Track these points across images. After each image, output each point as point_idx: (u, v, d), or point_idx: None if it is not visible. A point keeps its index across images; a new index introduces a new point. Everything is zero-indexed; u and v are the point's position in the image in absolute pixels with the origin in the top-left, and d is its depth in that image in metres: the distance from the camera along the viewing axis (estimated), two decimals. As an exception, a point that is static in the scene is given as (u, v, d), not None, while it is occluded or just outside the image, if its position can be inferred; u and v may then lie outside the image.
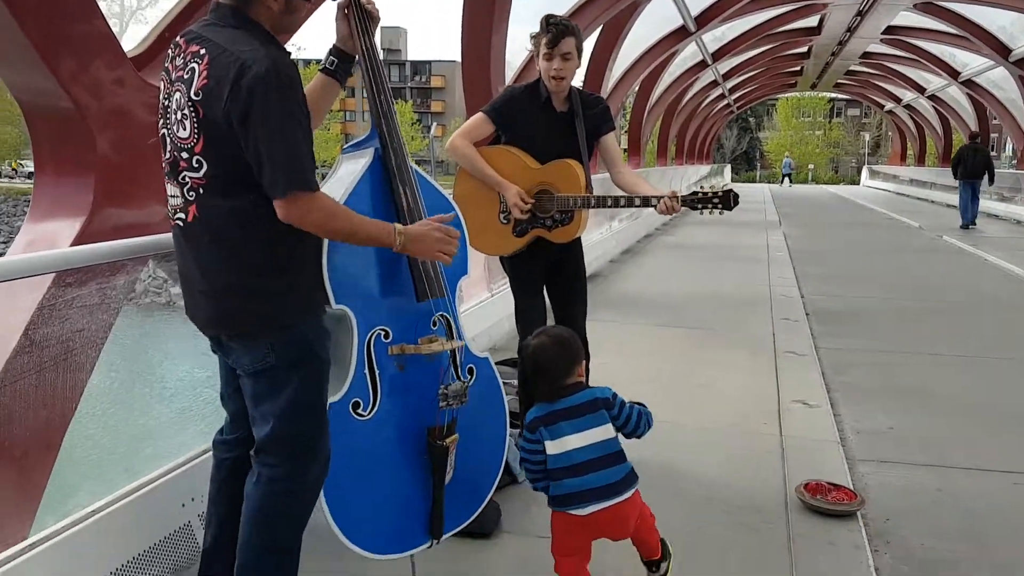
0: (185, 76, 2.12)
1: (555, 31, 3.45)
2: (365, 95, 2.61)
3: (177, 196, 2.20)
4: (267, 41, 2.14)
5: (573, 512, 2.51)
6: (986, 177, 17.11)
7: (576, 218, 3.60)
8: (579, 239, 3.80)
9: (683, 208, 3.46)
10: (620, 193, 3.62)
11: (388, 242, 2.31)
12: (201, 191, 2.14)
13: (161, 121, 2.24)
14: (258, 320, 2.19)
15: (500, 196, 3.58)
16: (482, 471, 2.90)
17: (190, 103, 2.10)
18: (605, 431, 2.54)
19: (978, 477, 3.93)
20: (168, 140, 2.21)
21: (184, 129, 2.12)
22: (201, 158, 2.11)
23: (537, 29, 3.54)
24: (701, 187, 3.55)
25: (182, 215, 2.20)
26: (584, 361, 2.76)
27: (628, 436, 2.60)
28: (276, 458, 2.25)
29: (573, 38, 3.50)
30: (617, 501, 2.51)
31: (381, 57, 2.64)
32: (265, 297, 2.18)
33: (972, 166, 16.94)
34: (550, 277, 3.79)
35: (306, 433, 2.27)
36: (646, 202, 3.50)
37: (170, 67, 2.22)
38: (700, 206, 3.51)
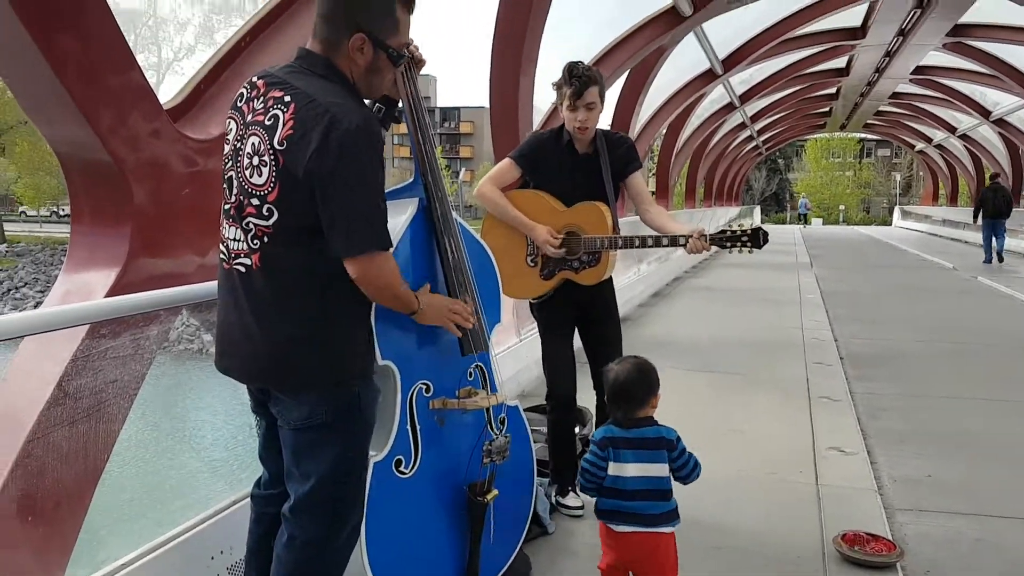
0: (267, 122, 2.08)
1: (578, 84, 3.48)
2: (396, 142, 2.63)
3: (239, 241, 2.16)
4: (353, 95, 2.14)
5: (611, 526, 2.65)
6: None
7: (603, 259, 3.60)
8: (611, 281, 3.79)
9: (712, 247, 3.44)
10: (648, 233, 3.61)
11: (412, 308, 2.31)
12: (266, 240, 2.10)
13: (229, 163, 2.20)
14: (315, 374, 2.16)
15: (527, 239, 3.60)
16: (511, 521, 2.88)
17: (271, 151, 2.06)
18: (661, 469, 2.65)
19: (1020, 526, 3.82)
20: (235, 183, 2.17)
21: (260, 176, 2.09)
22: (273, 207, 2.08)
23: (559, 76, 3.57)
24: (730, 225, 3.53)
25: (245, 261, 2.15)
26: (659, 394, 2.77)
27: (677, 479, 2.70)
28: (311, 519, 2.21)
29: (596, 87, 3.53)
30: (652, 531, 2.62)
31: (424, 105, 2.63)
32: (324, 350, 2.15)
33: (994, 206, 17.52)
34: (582, 321, 3.78)
35: (344, 496, 2.23)
36: (674, 242, 3.49)
37: (245, 108, 2.17)
38: (729, 245, 3.47)
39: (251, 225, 2.12)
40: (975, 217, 18.29)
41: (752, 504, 3.98)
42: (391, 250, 2.14)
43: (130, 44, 3.44)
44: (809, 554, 3.42)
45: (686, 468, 2.68)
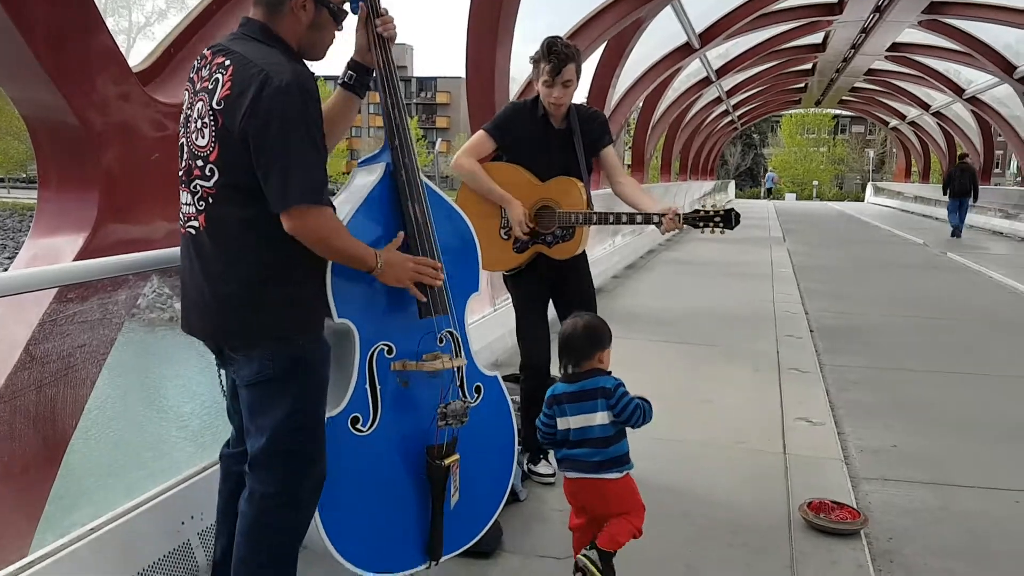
0: (209, 86, 2.16)
1: (556, 61, 3.48)
2: (372, 111, 2.63)
3: (189, 204, 2.23)
4: (291, 57, 2.19)
5: (564, 473, 2.83)
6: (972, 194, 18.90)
7: (577, 235, 3.62)
8: (584, 253, 3.80)
9: (684, 225, 3.48)
10: (622, 209, 3.63)
11: (370, 265, 2.34)
12: (211, 200, 2.17)
13: (182, 130, 2.27)
14: (258, 331, 2.21)
15: (502, 211, 3.60)
16: (487, 493, 2.88)
17: (211, 112, 2.14)
18: (600, 417, 2.73)
19: (981, 495, 3.91)
20: (186, 148, 2.24)
21: (203, 137, 2.16)
22: (215, 166, 2.15)
23: (537, 51, 3.56)
24: (703, 205, 3.57)
25: (194, 223, 2.23)
26: (608, 348, 2.83)
27: (625, 425, 2.76)
28: (269, 473, 2.26)
29: (574, 64, 3.53)
30: (596, 476, 2.72)
31: (397, 71, 2.64)
32: (266, 308, 2.20)
33: (960, 184, 18.79)
34: (556, 292, 3.80)
35: (300, 449, 2.27)
36: (647, 219, 3.53)
37: (195, 78, 2.25)
38: (702, 224, 3.53)
39: (198, 187, 2.19)
40: (944, 192, 19.56)
41: (721, 472, 4.03)
42: (327, 206, 2.17)
43: (100, 7, 3.38)
44: (776, 521, 3.47)
45: (626, 412, 2.70)
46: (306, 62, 2.30)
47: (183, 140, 2.26)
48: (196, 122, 2.19)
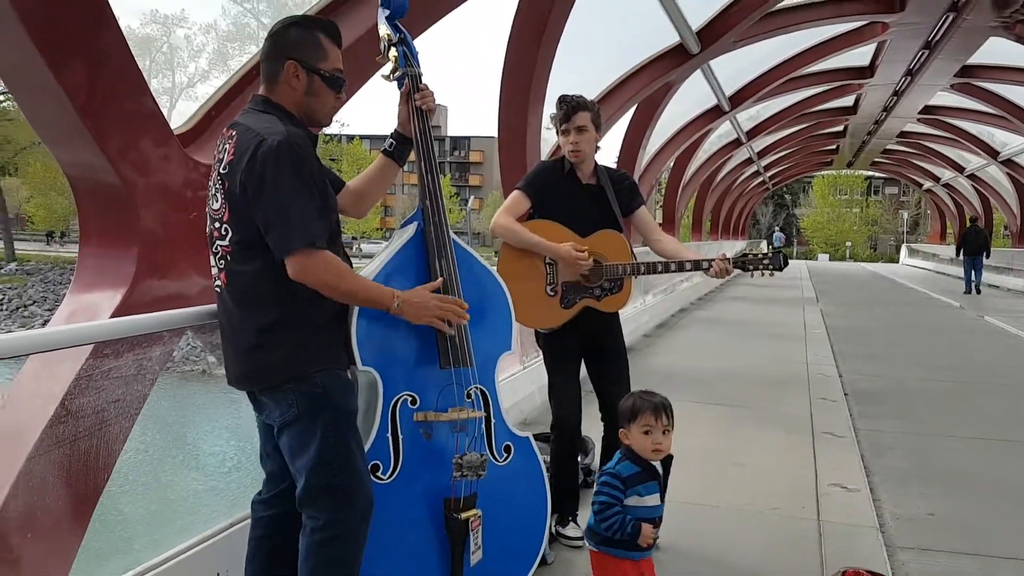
0: (220, 156, 2.39)
1: (566, 108, 3.60)
2: (407, 169, 2.80)
3: (213, 266, 2.44)
4: (288, 121, 2.39)
5: (631, 557, 2.68)
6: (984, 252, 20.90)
7: (625, 286, 3.65)
8: (617, 314, 3.81)
9: (735, 270, 3.53)
10: (673, 252, 3.65)
11: (387, 304, 2.46)
12: (228, 258, 2.38)
13: (208, 200, 2.47)
14: (275, 372, 2.36)
15: (547, 270, 3.59)
16: (516, 556, 2.85)
17: (219, 177, 2.37)
18: (659, 498, 2.74)
19: (1021, 567, 3.79)
20: (208, 214, 2.44)
21: (216, 201, 2.38)
22: (228, 226, 2.35)
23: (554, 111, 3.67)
24: (751, 249, 3.59)
25: (219, 282, 2.43)
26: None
27: None
28: (314, 509, 2.38)
29: (587, 112, 3.63)
30: (651, 555, 2.75)
31: (433, 140, 2.84)
32: (280, 351, 2.36)
33: (975, 244, 20.61)
34: (589, 352, 3.78)
35: (336, 483, 2.37)
36: (697, 265, 3.57)
37: (215, 152, 2.46)
38: (751, 267, 3.57)
39: (218, 248, 2.40)
40: (957, 253, 21.54)
41: (754, 538, 3.95)
42: (323, 250, 2.31)
43: (144, 69, 3.49)
44: (809, 591, 3.39)
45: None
46: (314, 126, 2.53)
47: (207, 207, 2.45)
48: (211, 188, 2.42)
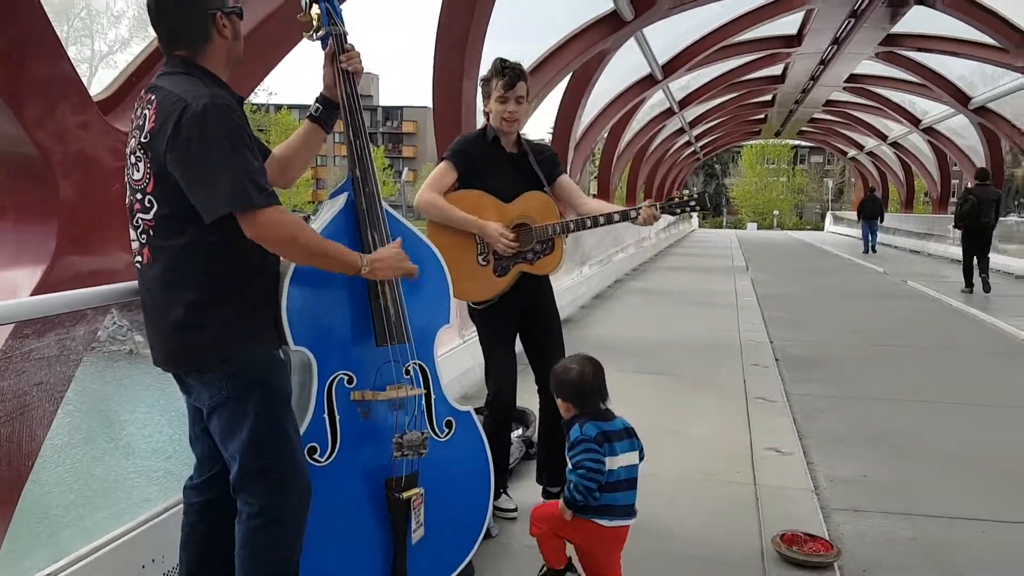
0: (139, 123, 2.24)
1: (511, 75, 3.54)
2: (337, 140, 2.66)
3: (134, 240, 2.31)
4: (212, 82, 2.26)
5: (597, 521, 2.69)
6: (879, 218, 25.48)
7: (557, 247, 3.62)
8: (550, 284, 3.78)
9: (662, 215, 3.53)
10: (600, 210, 3.62)
11: (355, 265, 2.39)
12: (152, 232, 2.25)
13: (126, 169, 2.31)
14: (205, 354, 2.26)
15: (476, 239, 3.53)
16: (460, 532, 2.82)
17: (140, 146, 2.22)
18: (636, 456, 2.78)
19: (952, 525, 3.91)
20: (127, 185, 2.30)
21: (138, 171, 2.24)
22: (152, 198, 2.22)
23: (488, 71, 3.59)
24: (678, 194, 3.61)
25: (140, 258, 2.30)
26: None
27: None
28: (249, 494, 2.30)
29: (525, 83, 3.60)
30: (630, 521, 2.77)
31: (361, 104, 2.70)
32: (209, 331, 2.25)
33: (870, 210, 25.01)
34: (524, 325, 3.75)
35: (271, 467, 2.29)
36: (625, 216, 3.55)
37: (133, 117, 2.32)
38: (679, 210, 3.58)
39: (139, 221, 2.27)
40: (857, 218, 26.46)
41: (692, 505, 4.00)
42: (276, 204, 2.20)
43: (62, 36, 3.32)
44: (749, 554, 3.44)
45: (642, 454, 2.80)
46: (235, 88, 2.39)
47: (126, 177, 2.31)
48: (131, 157, 2.27)
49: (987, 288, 13.03)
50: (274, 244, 2.24)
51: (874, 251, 24.31)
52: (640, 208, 3.49)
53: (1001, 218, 14.98)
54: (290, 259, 2.38)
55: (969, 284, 13.27)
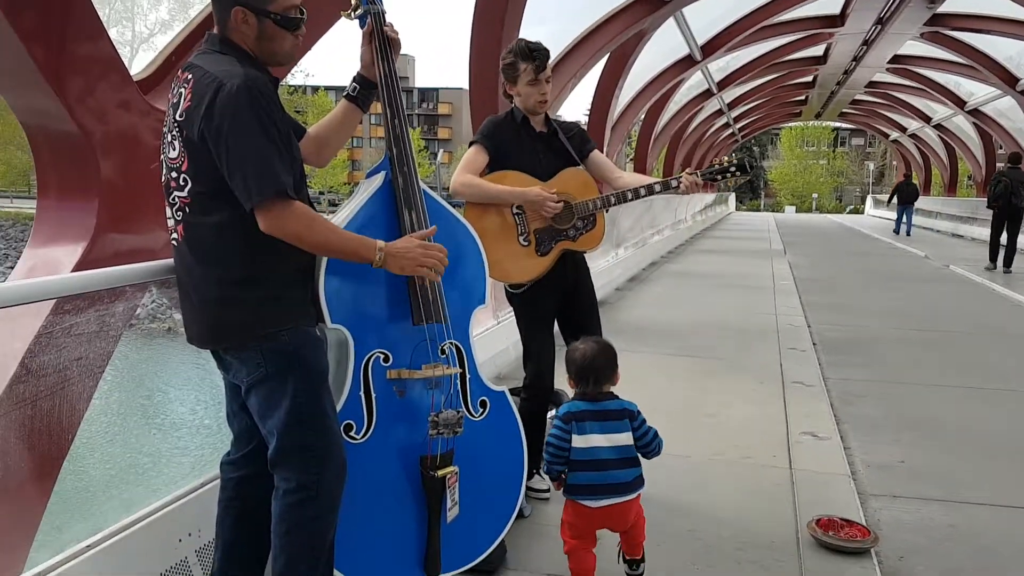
0: (175, 101, 2.26)
1: (540, 58, 3.52)
2: (374, 122, 2.65)
3: (170, 217, 2.31)
4: (246, 63, 2.26)
5: (585, 503, 2.74)
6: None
7: (598, 222, 3.61)
8: (587, 265, 3.77)
9: (703, 182, 3.56)
10: (638, 182, 3.60)
11: (368, 256, 2.35)
12: (187, 210, 2.25)
13: (162, 147, 2.33)
14: (241, 331, 2.27)
15: (515, 219, 3.49)
16: (493, 511, 2.83)
17: (176, 124, 2.23)
18: (626, 438, 2.77)
19: (992, 512, 3.85)
20: (163, 163, 2.31)
21: (173, 150, 2.25)
22: (187, 176, 2.23)
23: (511, 56, 3.57)
24: (718, 161, 3.63)
25: (175, 235, 2.32)
26: (618, 371, 2.88)
27: (641, 453, 2.82)
28: (287, 471, 2.31)
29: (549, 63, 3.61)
30: (625, 499, 2.76)
31: (399, 84, 2.69)
32: (245, 308, 2.26)
33: (906, 194, 25.09)
34: (563, 306, 3.72)
35: (309, 443, 2.31)
36: (666, 186, 3.55)
37: (170, 96, 2.32)
38: (720, 177, 3.61)
39: (175, 199, 2.27)
40: (888, 201, 28.28)
41: (727, 488, 3.97)
42: (292, 200, 2.19)
43: (103, 18, 3.35)
44: (784, 539, 3.41)
45: (647, 438, 2.80)
46: (278, 67, 2.42)
47: (162, 155, 2.32)
48: (167, 135, 2.28)
49: (1008, 264, 13.83)
50: (285, 238, 2.22)
51: (908, 234, 24.59)
52: (681, 177, 3.49)
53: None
54: (305, 250, 2.33)
55: (993, 261, 14.10)
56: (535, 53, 3.52)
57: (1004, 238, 14.00)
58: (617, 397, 2.84)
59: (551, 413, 4.31)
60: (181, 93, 2.23)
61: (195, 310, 2.32)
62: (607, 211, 3.63)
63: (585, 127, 3.92)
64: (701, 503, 3.77)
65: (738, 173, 3.57)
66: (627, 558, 2.87)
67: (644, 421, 2.81)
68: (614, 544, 2.91)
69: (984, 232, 22.60)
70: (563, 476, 2.77)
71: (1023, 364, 7.08)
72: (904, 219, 25.26)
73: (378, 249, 2.35)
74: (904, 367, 6.83)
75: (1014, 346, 7.91)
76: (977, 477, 4.29)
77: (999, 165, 33.19)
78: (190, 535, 2.68)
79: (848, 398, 5.74)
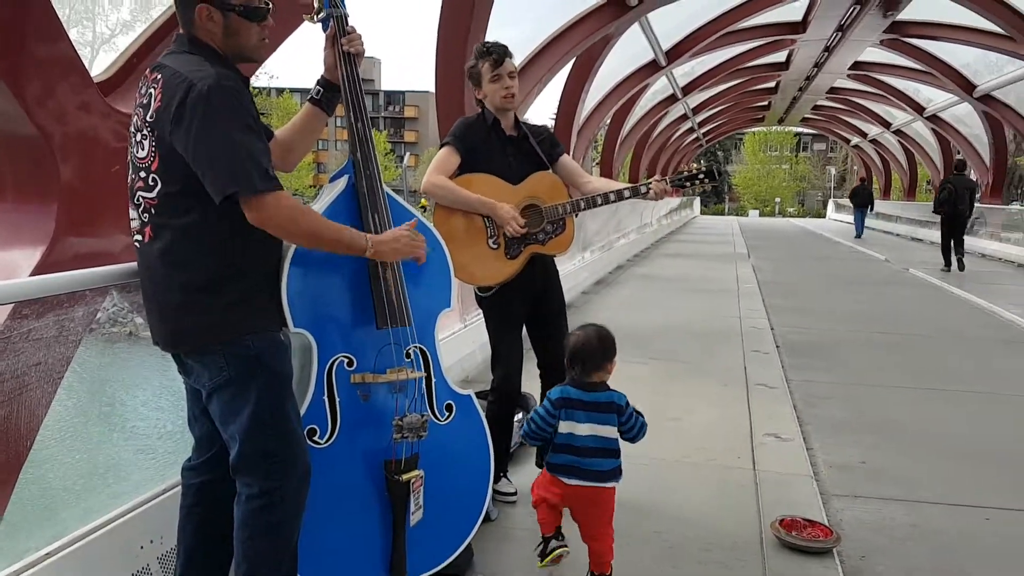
0: (144, 101, 2.23)
1: (497, 52, 3.54)
2: (339, 124, 2.64)
3: (135, 218, 2.29)
4: (216, 62, 2.24)
5: (561, 479, 2.83)
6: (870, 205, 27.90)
7: (568, 226, 3.61)
8: (556, 268, 3.77)
9: (672, 188, 3.59)
10: (607, 187, 3.62)
11: (360, 246, 2.37)
12: (153, 211, 2.23)
13: (129, 147, 2.30)
14: (205, 334, 2.25)
15: (484, 222, 3.49)
16: (459, 515, 2.82)
17: (147, 124, 2.22)
18: (610, 431, 2.85)
19: (951, 512, 3.92)
20: (130, 163, 2.29)
21: (143, 149, 2.22)
22: (157, 176, 2.20)
23: (471, 60, 3.59)
24: (684, 169, 3.66)
25: (139, 236, 2.28)
26: (615, 359, 2.93)
27: (625, 439, 2.90)
28: (249, 476, 2.29)
29: (510, 58, 3.60)
30: (598, 485, 2.83)
31: (362, 87, 2.69)
32: (211, 313, 2.24)
33: (862, 198, 27.42)
34: (532, 311, 3.72)
35: (272, 448, 2.29)
36: (636, 191, 3.56)
37: (137, 96, 2.30)
38: (688, 184, 3.63)
39: (140, 199, 2.25)
40: (852, 201, 28.54)
41: (691, 490, 4.01)
42: (279, 190, 2.19)
43: (63, 19, 3.31)
44: (748, 539, 3.45)
45: (633, 430, 2.88)
46: (249, 65, 2.45)
47: (129, 156, 2.30)
48: (135, 135, 2.26)
49: (961, 267, 14.68)
50: (276, 229, 2.22)
51: (859, 236, 26.13)
52: (650, 183, 3.51)
53: (1006, 206, 15.67)
54: (293, 243, 2.37)
55: (947, 263, 14.92)
56: (490, 47, 3.55)
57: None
58: (609, 388, 2.89)
59: (518, 416, 4.34)
60: (151, 94, 2.20)
61: (158, 313, 2.29)
62: (577, 215, 3.63)
63: (552, 131, 3.90)
64: (666, 505, 3.79)
65: (707, 180, 3.61)
66: (594, 573, 2.88)
67: (632, 413, 2.87)
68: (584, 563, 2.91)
69: (934, 234, 23.11)
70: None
71: (982, 366, 7.22)
72: (858, 222, 26.98)
73: (367, 238, 2.40)
74: (866, 369, 6.93)
75: (972, 348, 8.06)
76: (936, 477, 4.37)
77: (955, 171, 33.90)
78: (152, 542, 2.64)
79: (811, 400, 5.81)
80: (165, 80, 2.18)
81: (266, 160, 2.18)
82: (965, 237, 15.26)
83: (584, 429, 2.82)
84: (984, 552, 3.51)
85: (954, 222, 14.69)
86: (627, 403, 2.88)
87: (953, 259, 14.78)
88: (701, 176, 3.60)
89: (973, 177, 21.65)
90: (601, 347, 2.87)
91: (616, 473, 2.86)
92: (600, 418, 2.83)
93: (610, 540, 2.89)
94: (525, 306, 3.67)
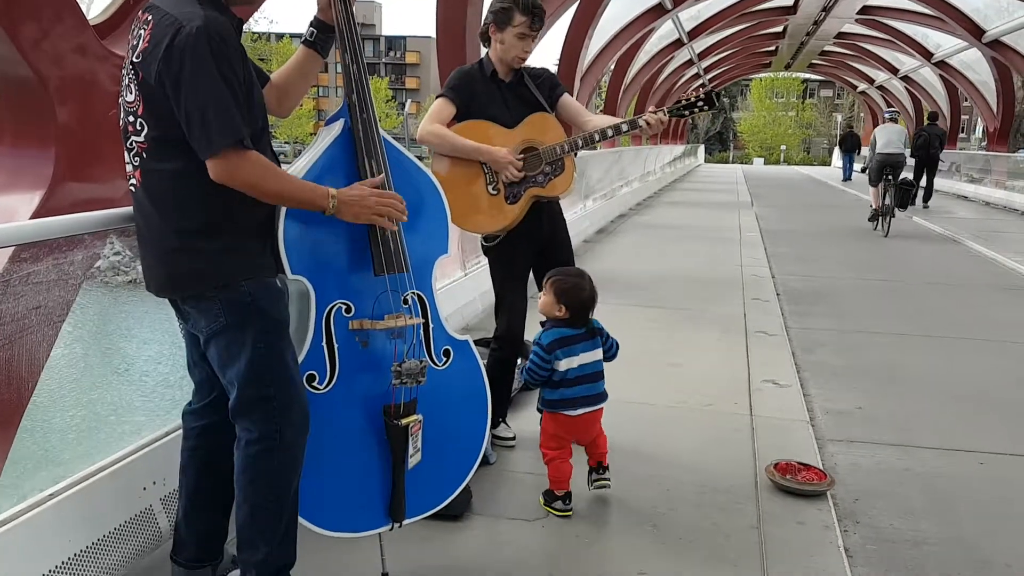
0: (133, 43, 2.18)
1: (540, 15, 3.48)
2: (339, 70, 2.57)
3: (128, 162, 2.26)
4: (207, 4, 2.17)
5: (566, 413, 3.20)
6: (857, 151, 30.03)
7: (567, 166, 3.55)
8: (563, 215, 3.76)
9: (670, 118, 3.49)
10: (606, 124, 3.56)
11: (321, 205, 2.30)
12: (144, 155, 2.20)
13: (121, 91, 2.27)
14: (200, 279, 2.23)
15: (483, 169, 3.47)
16: (457, 458, 2.85)
17: (132, 67, 2.16)
18: (599, 353, 3.27)
19: (945, 457, 3.96)
20: (121, 106, 2.25)
21: (130, 93, 2.19)
22: (144, 120, 2.17)
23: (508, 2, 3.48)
24: (685, 96, 3.59)
25: (133, 181, 2.26)
26: None
27: (606, 358, 3.31)
28: (248, 421, 2.30)
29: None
30: (597, 408, 3.25)
31: (358, 26, 2.61)
32: (204, 257, 2.22)
33: (849, 144, 30.31)
34: (538, 260, 3.71)
35: (269, 394, 2.29)
36: (633, 125, 3.51)
37: (129, 38, 2.24)
38: (687, 112, 3.53)
39: (133, 143, 2.21)
40: (840, 148, 31.89)
41: (688, 434, 4.05)
42: (247, 150, 2.14)
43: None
44: (743, 482, 3.50)
45: (613, 348, 3.33)
46: (236, 10, 2.31)
47: (120, 99, 2.26)
48: (124, 78, 2.22)
49: (925, 202, 17.61)
50: (236, 187, 2.17)
51: (849, 179, 28.34)
52: (646, 116, 3.43)
53: (1012, 154, 16.32)
54: (254, 197, 2.26)
55: (925, 201, 17.65)
56: (536, 10, 3.47)
57: (924, 181, 17.48)
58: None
59: (519, 364, 4.37)
60: (140, 35, 2.16)
61: (153, 258, 2.28)
62: (575, 154, 3.59)
63: (552, 72, 3.85)
64: (663, 449, 3.84)
65: (705, 106, 3.50)
66: (594, 466, 3.28)
67: (607, 334, 3.30)
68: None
69: (947, 184, 23.05)
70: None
71: (978, 312, 7.25)
72: (846, 165, 29.56)
73: (330, 196, 2.30)
74: (865, 316, 6.95)
75: (970, 296, 8.08)
76: (932, 423, 4.41)
77: (964, 117, 33.70)
78: (155, 483, 2.68)
79: (809, 347, 5.84)
80: (155, 21, 2.13)
81: (240, 118, 2.12)
82: (936, 178, 18.28)
83: (588, 357, 3.20)
84: (977, 495, 3.55)
85: (928, 164, 17.62)
86: (601, 326, 3.28)
87: (920, 196, 16.73)
88: (700, 103, 3.50)
89: (943, 127, 23.10)
90: (595, 293, 3.24)
91: (606, 395, 3.29)
92: (591, 345, 3.22)
93: (604, 435, 3.30)
94: (531, 256, 3.67)
